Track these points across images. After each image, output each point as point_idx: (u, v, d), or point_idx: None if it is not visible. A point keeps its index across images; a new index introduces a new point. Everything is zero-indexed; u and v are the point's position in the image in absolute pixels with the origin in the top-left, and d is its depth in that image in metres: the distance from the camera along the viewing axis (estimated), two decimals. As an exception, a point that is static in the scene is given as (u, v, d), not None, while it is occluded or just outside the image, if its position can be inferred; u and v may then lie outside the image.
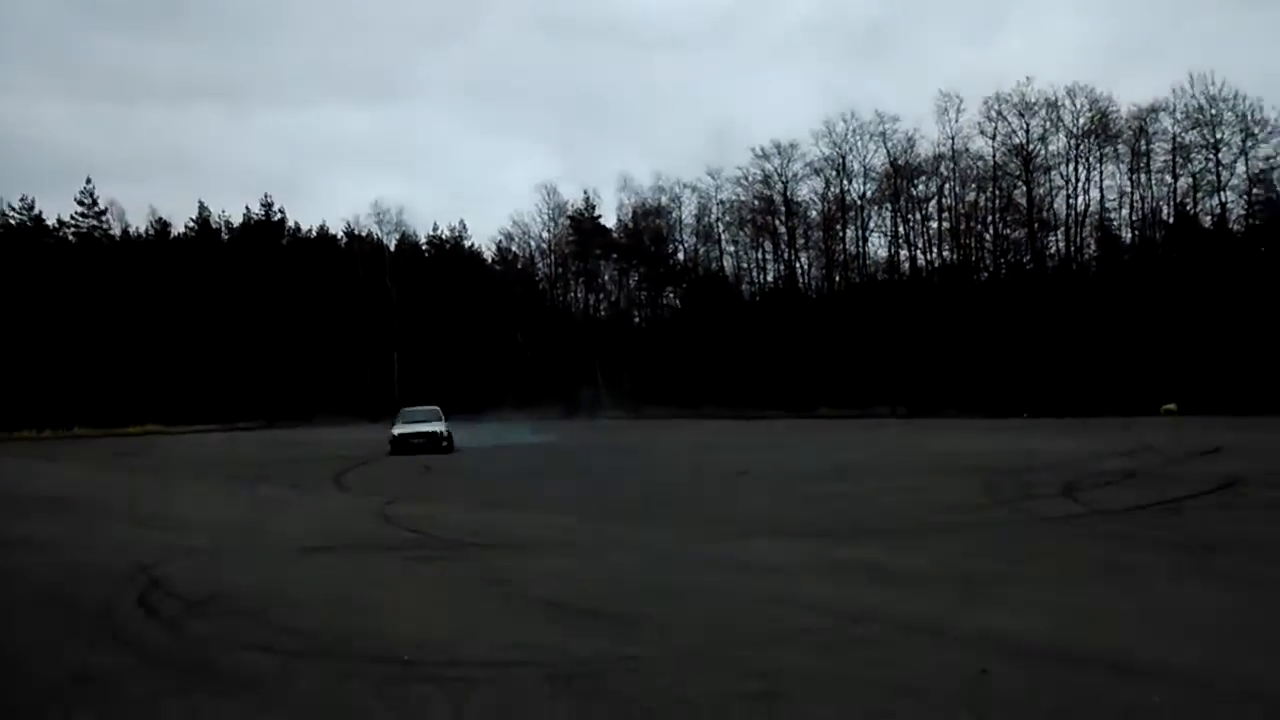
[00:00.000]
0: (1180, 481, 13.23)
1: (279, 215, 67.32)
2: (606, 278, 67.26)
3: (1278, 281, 41.04)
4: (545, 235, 67.85)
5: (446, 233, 70.61)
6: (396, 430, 26.08)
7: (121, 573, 8.20)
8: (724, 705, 4.30)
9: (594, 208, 67.21)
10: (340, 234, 67.36)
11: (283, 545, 9.96)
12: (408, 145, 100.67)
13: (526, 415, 43.66)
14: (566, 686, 4.64)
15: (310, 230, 68.25)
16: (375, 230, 66.06)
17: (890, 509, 11.72)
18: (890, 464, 18.39)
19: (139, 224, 65.25)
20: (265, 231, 65.84)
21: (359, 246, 64.20)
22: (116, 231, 63.19)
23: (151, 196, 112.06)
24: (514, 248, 69.20)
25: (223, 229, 66.70)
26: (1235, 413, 33.52)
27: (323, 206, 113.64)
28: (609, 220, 67.38)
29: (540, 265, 69.09)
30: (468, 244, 70.51)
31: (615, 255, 65.86)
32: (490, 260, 69.87)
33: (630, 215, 64.79)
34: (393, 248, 65.59)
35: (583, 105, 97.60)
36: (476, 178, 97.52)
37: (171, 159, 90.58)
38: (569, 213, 66.99)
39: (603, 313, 67.17)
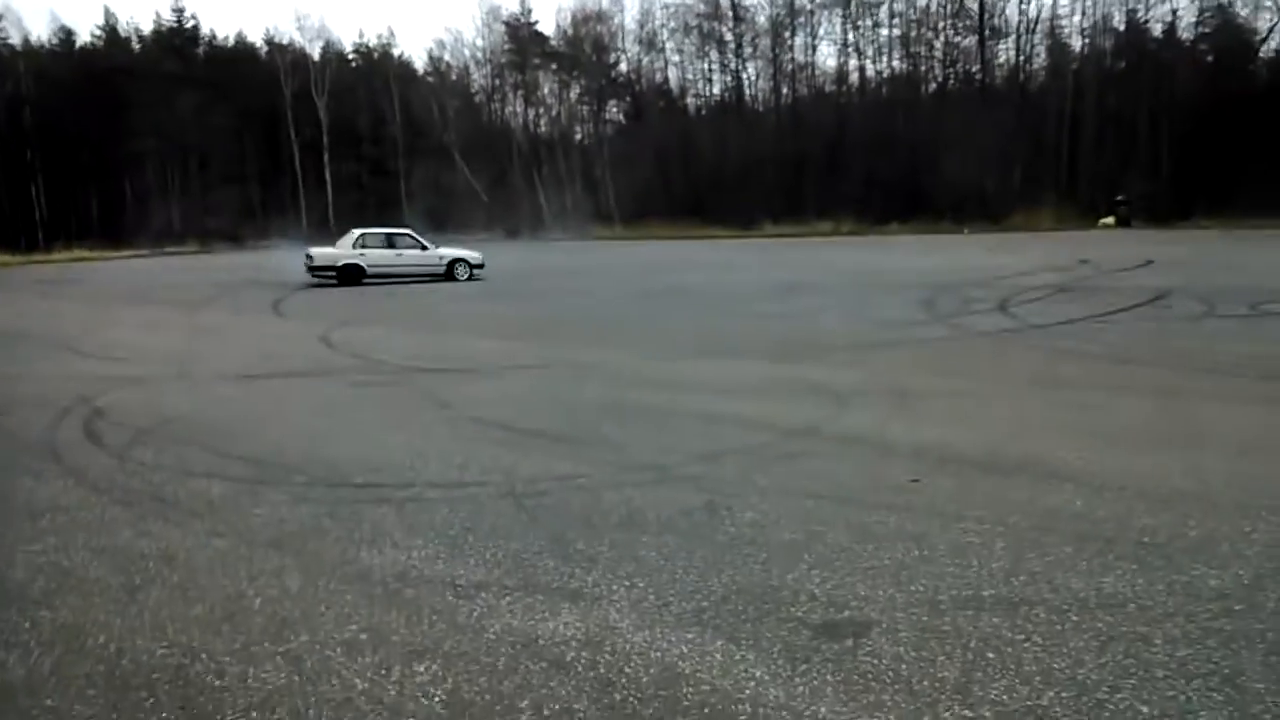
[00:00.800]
0: (1111, 295, 13.68)
1: (192, 22, 63.00)
2: (546, 90, 64.88)
3: (1222, 92, 41.12)
4: (480, 44, 64.70)
5: (374, 41, 66.97)
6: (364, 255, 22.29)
7: (64, 404, 8.12)
8: (670, 519, 4.49)
9: (530, 12, 63.98)
10: (260, 43, 63.53)
11: (226, 373, 9.91)
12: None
13: (467, 239, 42.97)
14: (517, 505, 4.80)
15: (227, 39, 64.23)
16: (297, 38, 62.34)
17: (831, 327, 11.97)
18: (832, 283, 18.65)
19: (40, 33, 60.75)
20: (178, 39, 61.73)
21: (281, 56, 60.66)
22: (16, 40, 58.76)
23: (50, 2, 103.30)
24: (447, 58, 66.04)
25: (133, 37, 62.43)
26: (1169, 224, 34.35)
27: (239, 13, 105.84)
28: (548, 27, 64.33)
29: (476, 77, 66.24)
30: (397, 54, 67.09)
31: (555, 66, 63.24)
32: (422, 72, 66.73)
33: (570, 21, 61.85)
34: (317, 57, 62.12)
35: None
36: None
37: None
38: (505, 19, 63.69)
39: (543, 128, 65.17)
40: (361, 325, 13.88)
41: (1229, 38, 44.50)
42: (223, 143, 57.26)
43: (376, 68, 64.74)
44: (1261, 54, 44.66)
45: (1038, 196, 42.19)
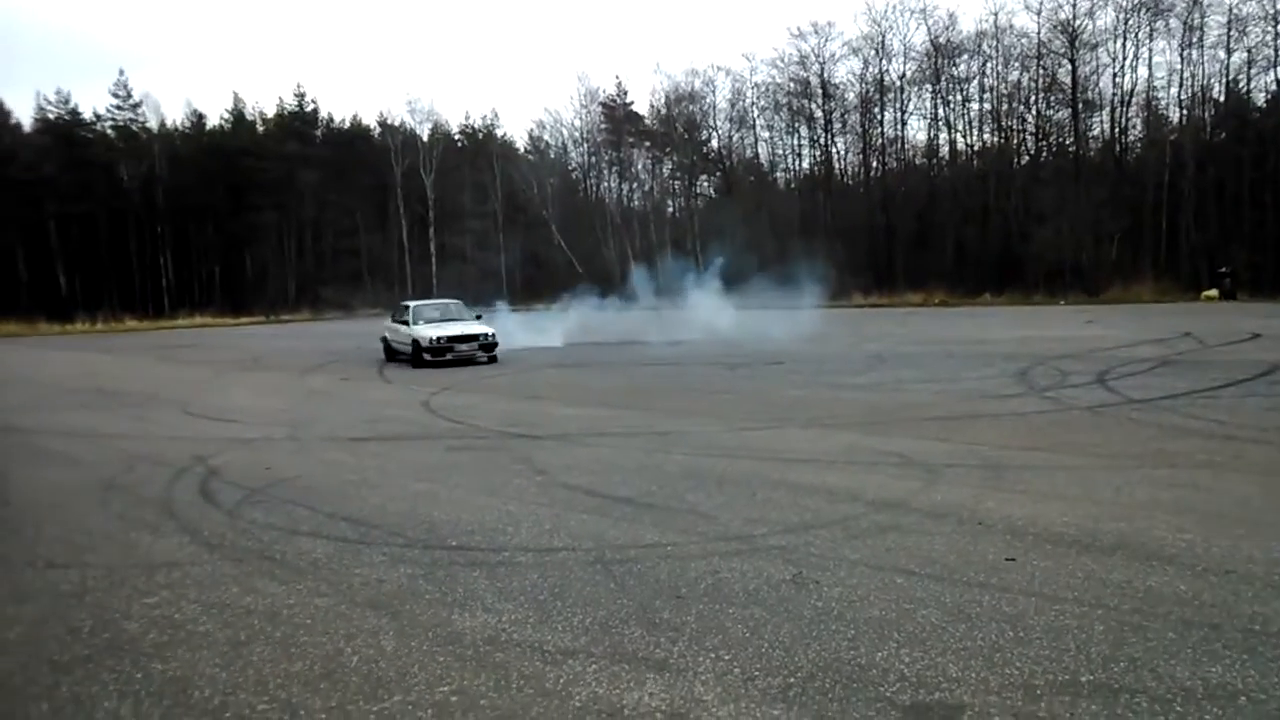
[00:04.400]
0: (1216, 369, 13.16)
1: (312, 106, 66.89)
2: (640, 166, 66.33)
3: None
4: (578, 123, 66.78)
5: (479, 122, 69.82)
6: (421, 331, 19.27)
7: (181, 463, 8.60)
8: (756, 590, 4.50)
9: (626, 94, 65.92)
10: (374, 125, 66.95)
11: (333, 436, 10.31)
12: (439, 34, 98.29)
13: (557, 306, 43.77)
14: (605, 571, 4.88)
15: (344, 121, 67.91)
16: (408, 120, 65.42)
17: (921, 398, 11.81)
18: (922, 353, 18.39)
19: (175, 116, 65.49)
20: (299, 122, 65.57)
21: (393, 137, 63.71)
22: (154, 124, 63.27)
23: (186, 88, 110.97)
24: (547, 136, 68.32)
25: (258, 120, 66.57)
26: (1275, 297, 32.89)
27: (355, 98, 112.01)
28: (642, 107, 66.13)
29: (573, 154, 68.24)
30: (500, 133, 69.78)
31: (648, 143, 64.74)
32: (523, 150, 69.13)
33: (663, 101, 63.43)
34: (425, 138, 65.00)
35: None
36: (508, 67, 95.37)
37: (203, 49, 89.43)
38: (601, 99, 65.71)
39: (636, 202, 66.51)
40: (459, 391, 14.28)
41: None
42: (336, 217, 60.24)
43: (480, 147, 67.42)
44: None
45: (1136, 268, 40.94)
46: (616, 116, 65.39)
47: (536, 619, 4.22)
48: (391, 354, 20.82)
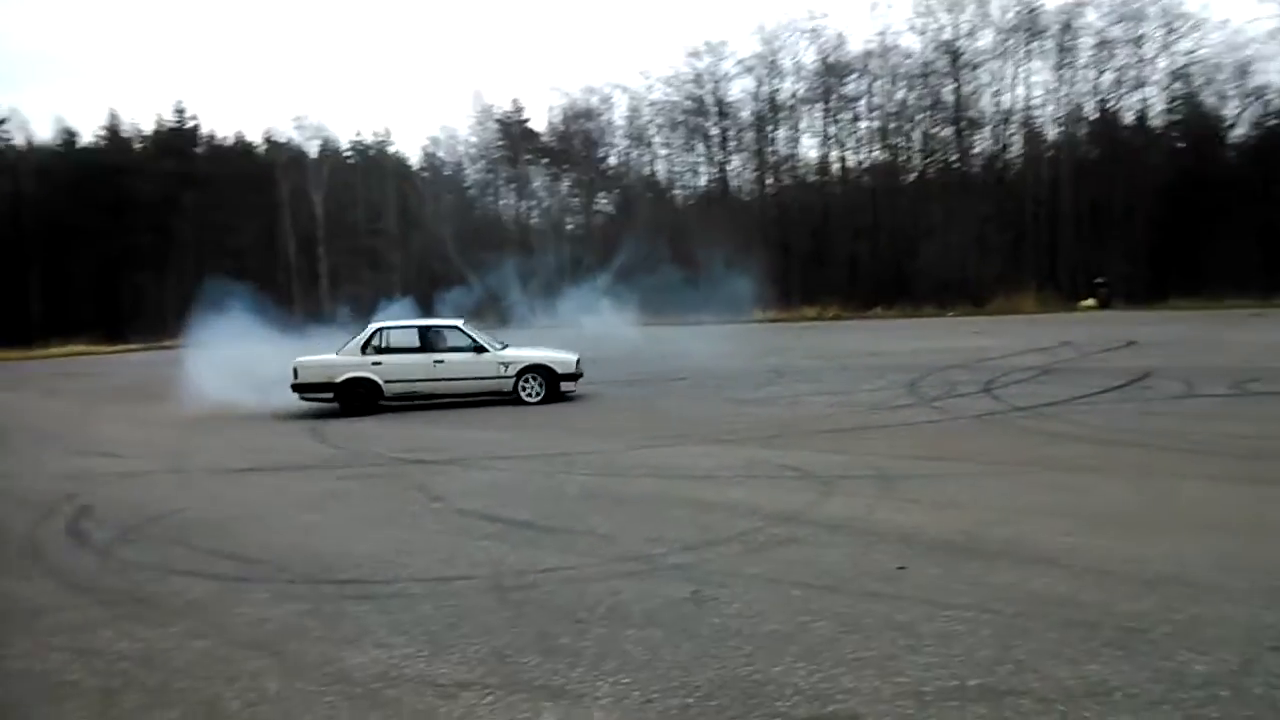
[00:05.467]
0: (1094, 376, 13.81)
1: (193, 123, 64.50)
2: (538, 184, 66.18)
3: (1194, 177, 42.26)
4: (474, 140, 66.24)
5: (370, 139, 68.53)
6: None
7: (50, 500, 8.09)
8: (656, 611, 4.47)
9: (523, 111, 65.69)
10: (259, 142, 64.93)
11: (216, 467, 9.88)
12: (326, 49, 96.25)
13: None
14: (503, 598, 4.78)
15: (226, 138, 65.67)
16: (295, 138, 63.69)
17: (817, 411, 12.04)
18: (817, 367, 18.78)
19: (44, 134, 62.21)
20: (178, 139, 63.11)
21: (279, 155, 61.84)
22: (20, 141, 60.00)
23: (57, 106, 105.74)
24: (442, 154, 67.56)
25: (134, 138, 63.78)
26: (1147, 305, 34.89)
27: (239, 114, 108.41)
28: (539, 124, 66.05)
29: (470, 171, 67.64)
30: (393, 150, 68.64)
31: (546, 160, 64.70)
32: (418, 168, 68.18)
33: (560, 118, 63.49)
34: (314, 155, 63.35)
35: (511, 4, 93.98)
36: (401, 83, 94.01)
37: (75, 66, 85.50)
38: (497, 116, 65.37)
39: (534, 219, 66.31)
40: (352, 418, 13.87)
41: (1198, 125, 45.88)
42: (219, 239, 58.06)
43: (373, 164, 66.11)
44: (1229, 140, 46.01)
45: (1019, 280, 42.83)
46: (513, 133, 65.14)
47: (430, 652, 4.10)
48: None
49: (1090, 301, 38.62)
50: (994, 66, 49.38)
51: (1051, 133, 50.50)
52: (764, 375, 17.21)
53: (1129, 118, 47.99)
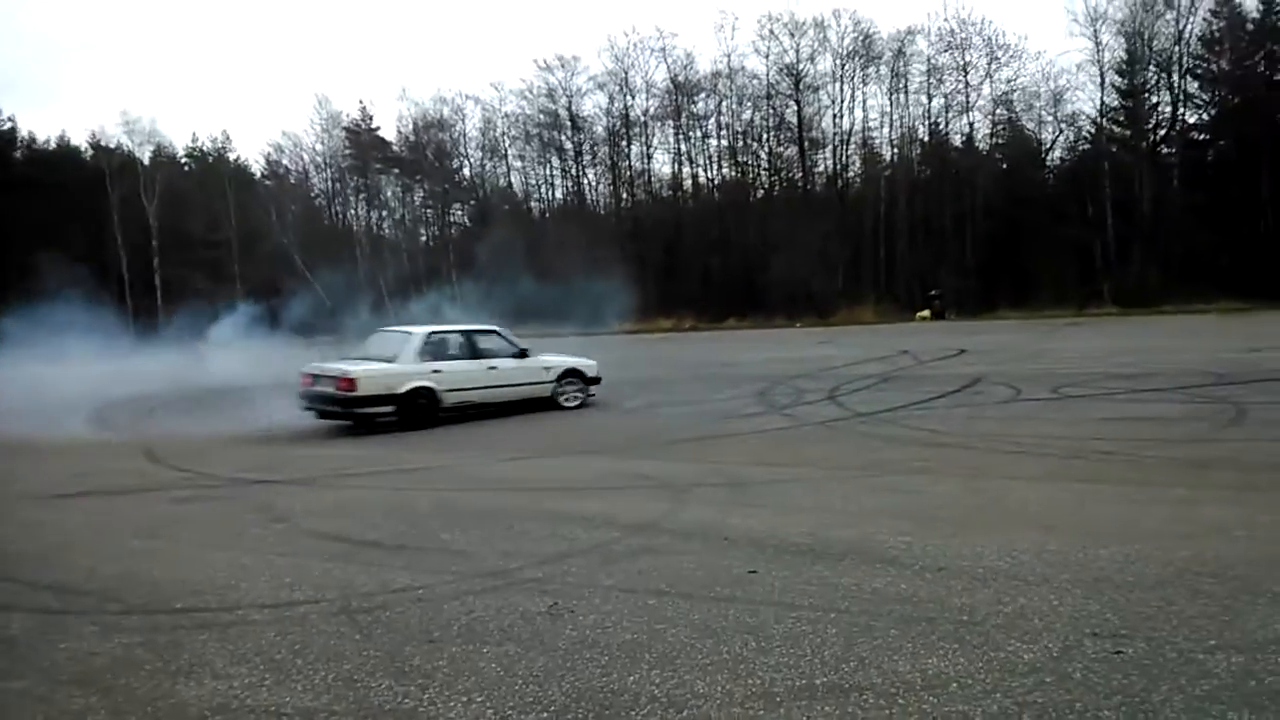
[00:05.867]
0: (929, 383, 14.60)
1: (9, 124, 59.68)
2: (389, 194, 64.62)
3: (1017, 195, 45.46)
4: (319, 148, 64.03)
5: (208, 145, 65.20)
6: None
7: None
8: (511, 626, 4.42)
9: (372, 119, 64.00)
10: (85, 145, 60.69)
11: (34, 493, 9.13)
12: (162, 44, 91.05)
13: (314, 342, 41.63)
14: (351, 621, 4.61)
15: (49, 141, 61.09)
16: (126, 142, 59.89)
17: (672, 421, 12.23)
18: (673, 377, 19.09)
19: None
20: (-10, 142, 58.31)
21: (108, 160, 57.97)
22: None
23: None
24: (286, 161, 64.99)
25: (-62, 140, 58.48)
26: (978, 316, 37.20)
27: (62, 115, 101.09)
28: (389, 133, 64.49)
29: (316, 180, 65.35)
30: (233, 157, 65.50)
31: (397, 170, 63.26)
32: (260, 175, 65.32)
33: (411, 128, 62.24)
34: (147, 161, 59.72)
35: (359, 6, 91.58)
36: (240, 87, 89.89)
37: None
38: (344, 124, 63.45)
39: (387, 231, 64.70)
40: (191, 436, 13.10)
41: (1019, 148, 49.37)
42: (43, 248, 53.76)
43: (211, 171, 62.84)
44: (1048, 162, 49.74)
45: (860, 293, 44.94)
46: (362, 142, 63.35)
47: (274, 680, 3.91)
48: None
49: (925, 312, 40.88)
50: (833, 90, 51.78)
51: (888, 153, 53.32)
52: (621, 387, 17.34)
53: (957, 140, 51.21)
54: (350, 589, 5.16)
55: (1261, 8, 43.91)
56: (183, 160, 64.04)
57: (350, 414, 12.77)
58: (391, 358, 13.26)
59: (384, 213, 65.21)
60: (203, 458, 10.94)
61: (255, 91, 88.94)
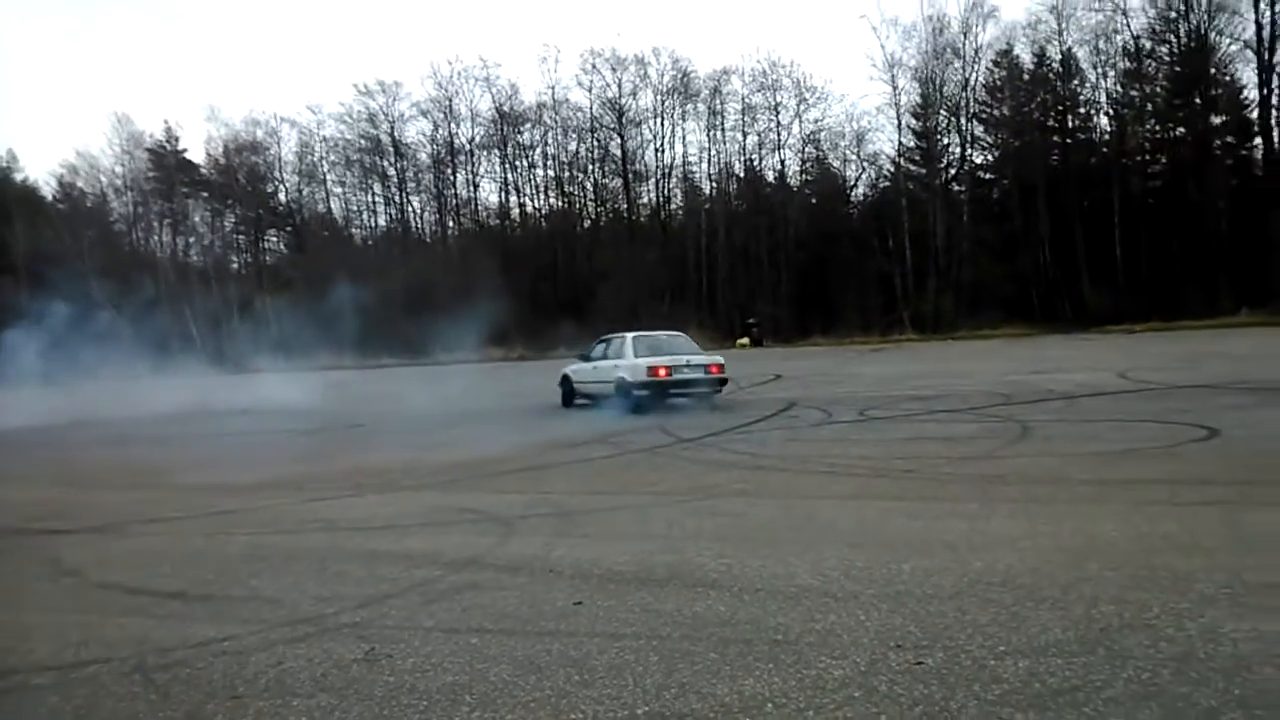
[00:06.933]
0: (749, 408, 15.14)
1: None
2: (198, 219, 61.13)
3: (824, 229, 48.10)
4: (119, 170, 59.89)
5: (-12, 163, 59.70)
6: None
7: None
8: (325, 676, 4.22)
9: (177, 140, 60.51)
10: None
11: None
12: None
13: (105, 377, 38.56)
14: (146, 680, 4.28)
15: None
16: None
17: (500, 452, 12.11)
18: (502, 406, 18.94)
19: None
20: None
21: None
22: None
23: None
24: (81, 183, 60.34)
25: None
26: (791, 342, 38.98)
27: None
28: (197, 155, 61.12)
29: (115, 204, 61.00)
30: (21, 178, 60.23)
31: (206, 194, 59.98)
32: (51, 198, 60.31)
33: (222, 150, 59.24)
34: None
35: (161, 18, 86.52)
36: (26, 101, 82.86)
37: None
38: (147, 144, 59.65)
39: (195, 257, 61.09)
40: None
41: (827, 185, 52.38)
42: None
43: (-9, 191, 57.53)
44: (852, 197, 53.00)
45: (684, 320, 46.17)
46: (167, 164, 59.77)
47: (54, 752, 3.57)
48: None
49: (745, 340, 42.46)
50: (654, 125, 53.28)
51: (707, 187, 55.27)
52: (446, 418, 17.02)
53: (770, 175, 53.78)
54: (147, 645, 4.79)
55: (1035, 60, 48.58)
56: (-44, 180, 58.38)
57: (719, 390, 16.37)
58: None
59: (191, 239, 61.59)
60: (-24, 508, 9.90)
61: (46, 107, 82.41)
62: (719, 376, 16.14)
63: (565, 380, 18.71)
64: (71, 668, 4.54)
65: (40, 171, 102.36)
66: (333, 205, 60.56)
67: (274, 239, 61.91)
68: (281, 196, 60.69)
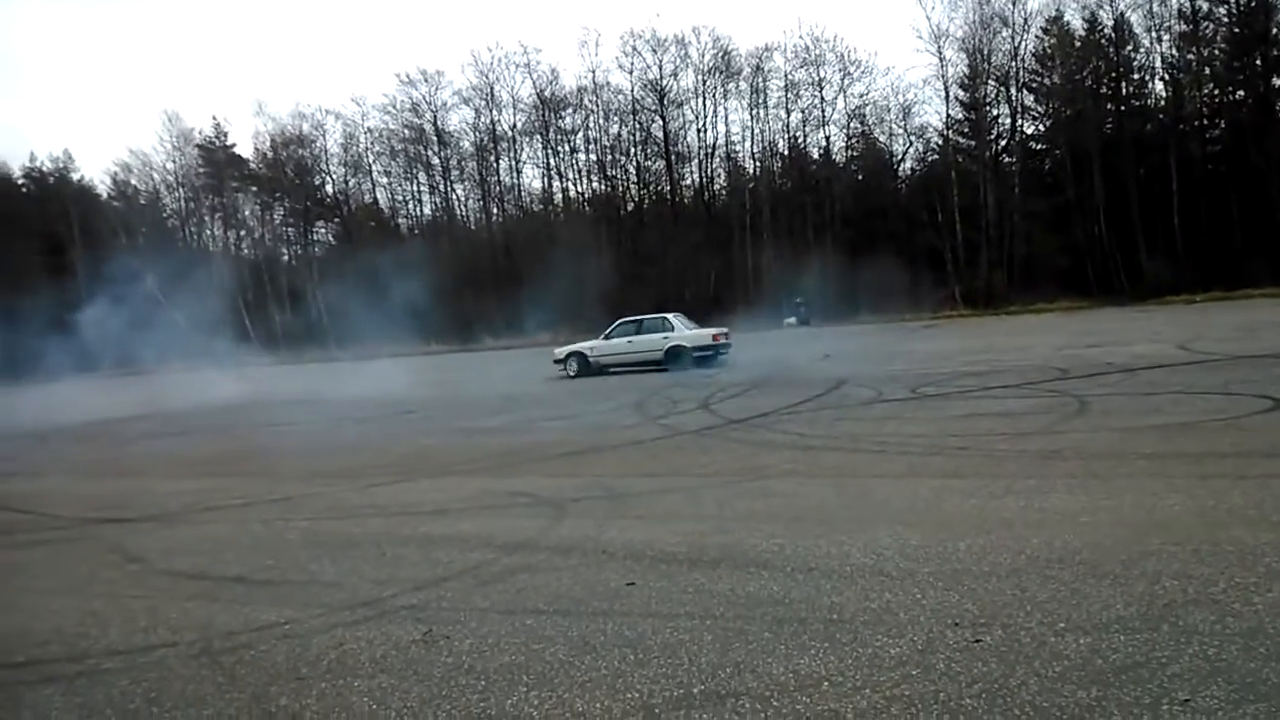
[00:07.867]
0: (797, 388, 15.03)
1: None
2: (248, 212, 62.19)
3: (872, 204, 47.43)
4: (171, 166, 61.11)
5: (48, 165, 61.27)
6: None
7: None
8: (384, 657, 4.30)
9: (226, 135, 61.54)
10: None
11: None
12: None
13: (161, 369, 39.57)
14: (213, 663, 4.40)
15: None
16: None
17: (549, 436, 12.18)
18: (549, 392, 19.04)
19: None
20: None
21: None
22: None
23: None
24: (134, 181, 61.70)
25: None
26: (839, 322, 38.61)
27: None
28: (245, 150, 62.12)
29: (168, 200, 62.28)
30: (77, 177, 61.77)
31: (255, 188, 60.96)
32: (106, 196, 61.79)
33: (269, 144, 60.12)
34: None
35: (210, 18, 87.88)
36: (81, 103, 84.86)
37: None
38: (197, 141, 60.75)
39: (246, 250, 62.23)
40: (21, 476, 12.24)
41: (873, 160, 51.61)
42: None
43: (52, 192, 59.00)
44: (900, 172, 52.15)
45: (730, 301, 45.92)
46: (217, 159, 60.84)
47: (127, 732, 3.69)
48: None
49: (792, 319, 42.12)
50: (696, 105, 52.92)
51: (750, 166, 54.81)
52: (497, 402, 17.17)
53: (815, 153, 53.13)
54: (211, 629, 4.92)
55: (1086, 26, 47.31)
56: (20, 182, 60.00)
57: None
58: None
59: (242, 232, 62.70)
60: (42, 498, 10.23)
61: (99, 108, 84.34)
62: (728, 343, 22.44)
63: (580, 356, 23.27)
64: (140, 651, 4.68)
65: (95, 170, 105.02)
66: (379, 195, 61.28)
67: (322, 230, 62.83)
68: (329, 188, 61.53)
